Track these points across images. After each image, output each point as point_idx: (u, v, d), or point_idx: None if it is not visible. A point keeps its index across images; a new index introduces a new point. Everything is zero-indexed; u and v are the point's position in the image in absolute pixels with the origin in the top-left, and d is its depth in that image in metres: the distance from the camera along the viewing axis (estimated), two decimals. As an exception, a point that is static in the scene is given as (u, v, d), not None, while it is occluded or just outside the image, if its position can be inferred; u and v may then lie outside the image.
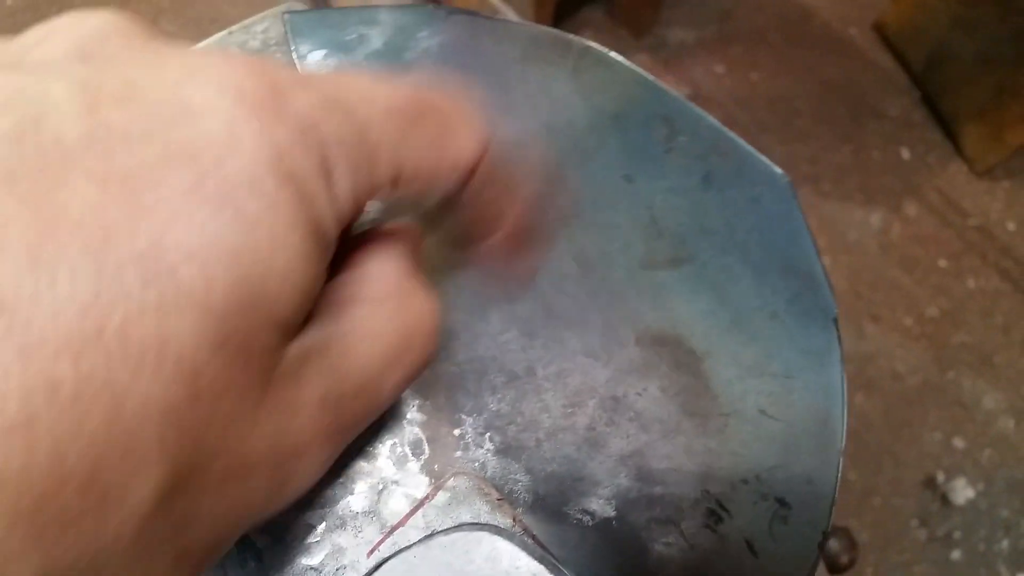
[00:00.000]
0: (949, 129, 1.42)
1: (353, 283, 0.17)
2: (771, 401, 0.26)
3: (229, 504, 0.14)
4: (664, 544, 0.24)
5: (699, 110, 0.29)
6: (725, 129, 0.29)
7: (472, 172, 0.17)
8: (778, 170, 0.29)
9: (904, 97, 1.43)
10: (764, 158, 0.29)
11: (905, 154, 1.41)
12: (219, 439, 0.13)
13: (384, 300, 0.17)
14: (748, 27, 1.43)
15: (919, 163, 1.41)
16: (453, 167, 0.17)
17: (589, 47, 0.31)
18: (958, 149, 1.42)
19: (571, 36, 0.31)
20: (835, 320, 0.28)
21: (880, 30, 1.43)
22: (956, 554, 1.17)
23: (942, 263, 1.35)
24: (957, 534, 1.18)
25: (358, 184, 0.15)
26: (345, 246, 0.18)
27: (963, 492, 1.20)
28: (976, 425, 1.24)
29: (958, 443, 1.23)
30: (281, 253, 0.13)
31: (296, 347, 0.15)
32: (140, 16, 0.15)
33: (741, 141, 0.29)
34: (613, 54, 0.31)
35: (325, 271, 0.15)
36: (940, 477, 1.21)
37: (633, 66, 0.30)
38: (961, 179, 1.41)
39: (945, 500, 1.19)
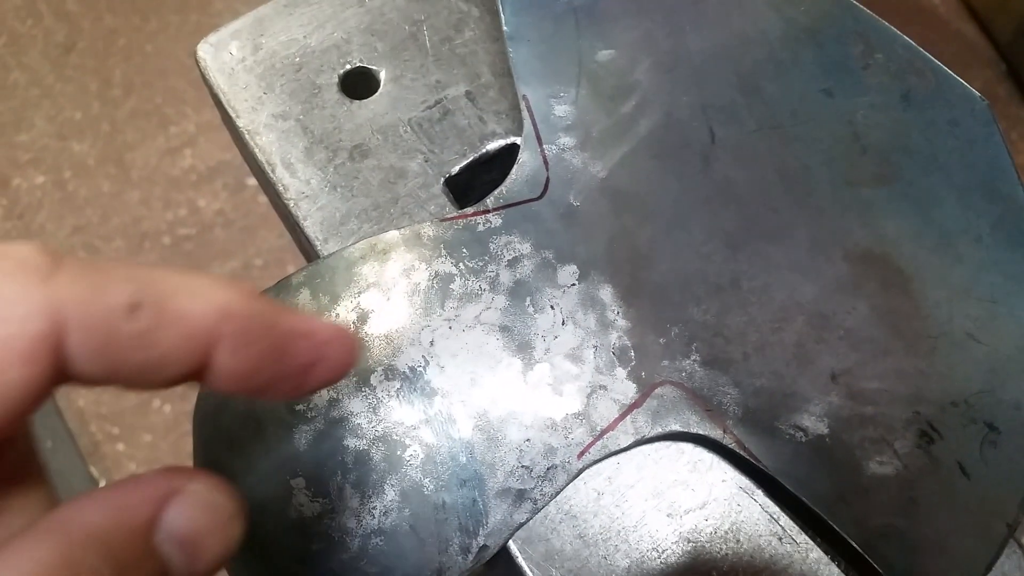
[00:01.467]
0: (1037, 104, 1.37)
1: None
2: (978, 325, 0.25)
3: None
4: (878, 463, 0.23)
5: (893, 29, 0.28)
6: (921, 49, 0.28)
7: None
8: (976, 93, 0.28)
9: (988, 70, 1.38)
10: (961, 80, 0.28)
11: (980, 135, 1.38)
12: None
13: None
14: None
15: (996, 144, 1.38)
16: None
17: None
18: (1044, 126, 1.38)
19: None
20: (1038, 247, 0.27)
21: (966, -2, 1.38)
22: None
23: None
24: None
25: None
26: None
27: None
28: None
29: None
30: None
31: None
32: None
33: (937, 62, 0.28)
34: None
35: None
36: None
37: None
38: (1046, 157, 1.38)
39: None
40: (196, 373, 0.13)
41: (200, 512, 0.14)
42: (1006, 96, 1.40)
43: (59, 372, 0.11)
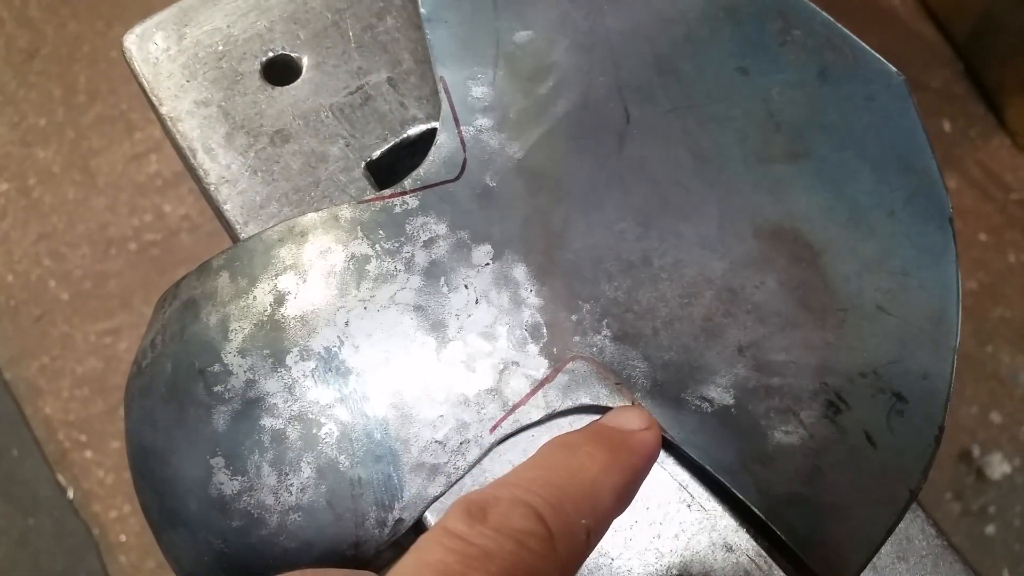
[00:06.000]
0: (992, 102, 1.39)
1: None
2: (888, 298, 0.26)
3: None
4: (783, 432, 0.24)
5: (812, 5, 0.29)
6: (839, 25, 0.28)
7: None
8: (892, 68, 0.28)
9: (946, 69, 1.39)
10: (878, 56, 0.28)
11: (946, 127, 1.38)
12: None
13: None
14: (789, -6, 1.40)
15: (960, 136, 1.38)
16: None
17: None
18: (1001, 123, 1.39)
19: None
20: (950, 219, 0.27)
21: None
22: (990, 529, 1.16)
23: (982, 237, 1.32)
24: (992, 509, 1.17)
25: None
26: None
27: (999, 467, 1.19)
28: (1014, 401, 1.22)
29: (995, 418, 1.22)
30: None
31: None
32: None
33: (855, 38, 0.28)
34: (718, -46, 0.30)
35: None
36: (976, 451, 1.19)
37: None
38: (1004, 153, 1.38)
39: (980, 474, 1.18)
40: None
41: None
42: (964, 94, 1.41)
43: None
